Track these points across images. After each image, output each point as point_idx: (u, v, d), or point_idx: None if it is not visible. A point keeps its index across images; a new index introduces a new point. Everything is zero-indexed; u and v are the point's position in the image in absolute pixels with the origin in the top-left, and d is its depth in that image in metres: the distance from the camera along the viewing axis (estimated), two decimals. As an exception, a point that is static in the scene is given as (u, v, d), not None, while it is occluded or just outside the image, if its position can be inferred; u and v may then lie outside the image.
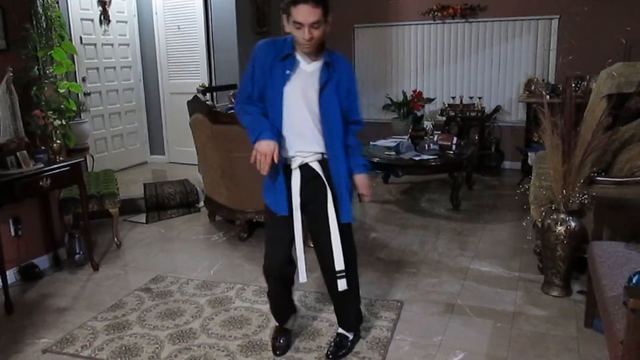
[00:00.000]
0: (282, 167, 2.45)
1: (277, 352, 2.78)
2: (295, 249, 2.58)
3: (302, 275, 2.61)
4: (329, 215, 2.51)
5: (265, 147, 2.28)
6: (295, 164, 2.48)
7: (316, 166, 2.49)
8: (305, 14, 2.20)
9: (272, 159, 2.29)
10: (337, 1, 7.30)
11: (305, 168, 2.49)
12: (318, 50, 2.39)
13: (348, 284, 2.60)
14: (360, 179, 2.58)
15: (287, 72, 2.37)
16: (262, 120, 2.39)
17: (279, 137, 2.38)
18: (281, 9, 2.33)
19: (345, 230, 2.58)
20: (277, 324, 2.90)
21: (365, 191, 2.61)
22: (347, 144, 2.54)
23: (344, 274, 2.56)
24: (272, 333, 2.92)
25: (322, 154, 2.49)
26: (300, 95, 2.39)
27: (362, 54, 7.39)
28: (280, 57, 2.37)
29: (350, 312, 2.81)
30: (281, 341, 2.82)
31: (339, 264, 2.55)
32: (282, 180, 2.47)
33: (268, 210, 2.57)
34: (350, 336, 2.83)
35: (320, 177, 2.49)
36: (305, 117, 2.42)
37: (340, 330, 2.83)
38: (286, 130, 2.43)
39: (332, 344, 2.79)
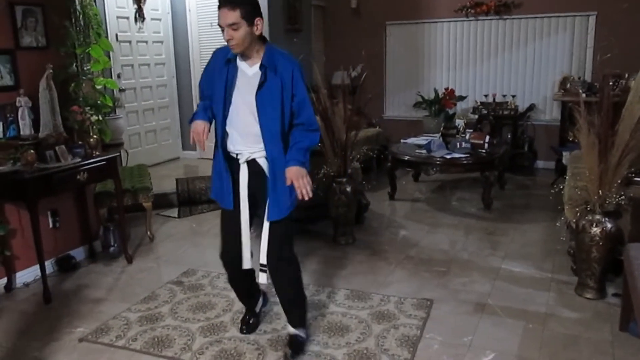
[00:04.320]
0: (226, 163, 2.64)
1: (244, 330, 2.98)
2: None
3: (246, 263, 2.73)
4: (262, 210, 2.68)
5: (196, 127, 2.55)
6: (242, 159, 2.63)
7: (262, 162, 2.62)
8: (222, 17, 2.39)
9: (205, 136, 2.55)
10: (369, -2, 7.29)
11: (252, 163, 2.64)
12: (253, 52, 2.51)
13: (276, 278, 2.73)
14: (289, 171, 2.51)
15: (230, 76, 2.54)
16: (200, 107, 2.64)
17: (223, 133, 2.61)
18: None
19: (277, 227, 2.64)
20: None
21: (295, 183, 2.50)
22: (291, 141, 2.59)
23: (265, 268, 2.68)
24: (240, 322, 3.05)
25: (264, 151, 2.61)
26: (240, 97, 2.55)
27: (393, 52, 7.36)
28: (224, 61, 2.55)
29: (294, 309, 2.84)
30: (250, 320, 3.02)
31: (263, 257, 2.67)
32: (227, 176, 2.65)
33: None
34: (302, 333, 2.83)
35: (264, 172, 2.62)
36: (247, 118, 2.56)
37: (291, 330, 2.84)
38: (231, 129, 2.61)
39: (288, 346, 2.80)
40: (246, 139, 2.59)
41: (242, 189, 2.65)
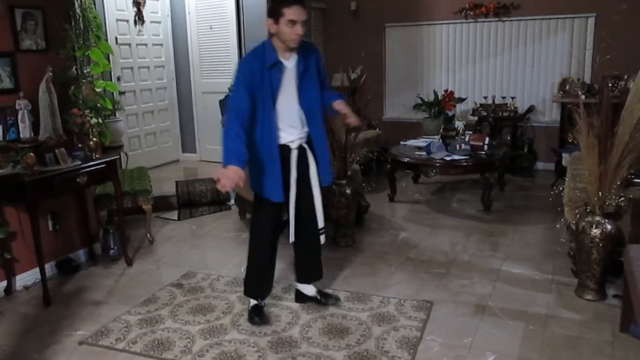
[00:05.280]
0: (280, 156, 2.85)
1: (257, 321, 3.08)
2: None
3: (291, 237, 3.10)
4: (312, 182, 3.01)
5: (232, 175, 2.63)
6: (294, 146, 2.93)
7: (305, 143, 2.98)
8: (299, 13, 2.69)
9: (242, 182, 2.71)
10: (369, 0, 7.31)
11: (300, 147, 2.96)
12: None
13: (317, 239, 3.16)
14: (337, 104, 3.04)
15: (277, 77, 2.78)
16: (240, 147, 2.70)
17: (276, 131, 2.85)
18: (269, 12, 2.76)
19: (324, 193, 3.12)
20: (256, 304, 3.15)
21: (344, 110, 3.05)
22: (326, 95, 3.04)
23: (324, 230, 3.12)
24: (252, 315, 3.12)
25: (307, 132, 2.98)
26: (286, 92, 2.84)
27: (393, 53, 7.36)
28: (267, 66, 2.75)
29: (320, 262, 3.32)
30: (263, 311, 3.15)
31: (321, 221, 3.08)
32: (278, 168, 2.85)
33: (260, 198, 2.95)
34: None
35: (306, 150, 2.97)
36: (294, 108, 2.89)
37: (313, 289, 3.29)
38: (282, 124, 2.87)
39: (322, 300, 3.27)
40: (296, 127, 2.92)
41: (293, 172, 2.94)
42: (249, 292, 3.19)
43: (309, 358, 2.74)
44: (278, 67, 2.78)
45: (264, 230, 3.04)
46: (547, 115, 6.68)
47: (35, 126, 3.63)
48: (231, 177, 2.61)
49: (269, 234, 3.05)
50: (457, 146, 5.20)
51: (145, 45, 6.61)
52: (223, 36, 6.69)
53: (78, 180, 3.58)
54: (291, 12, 2.66)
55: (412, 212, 5.22)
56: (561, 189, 3.89)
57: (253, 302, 3.16)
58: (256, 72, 2.74)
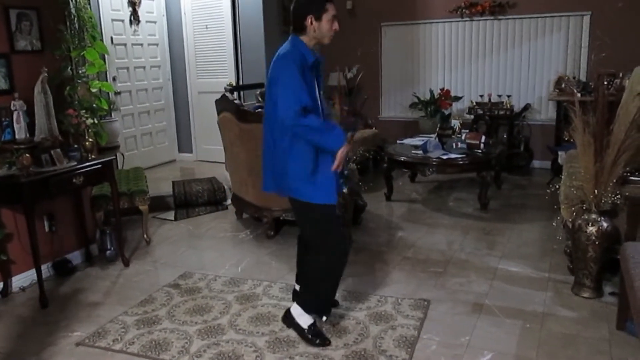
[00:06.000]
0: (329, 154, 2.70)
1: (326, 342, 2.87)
2: None
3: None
4: None
5: (342, 155, 2.65)
6: None
7: None
8: (335, 8, 2.71)
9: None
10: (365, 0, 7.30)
11: None
12: None
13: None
14: None
15: (318, 74, 2.75)
16: (335, 126, 2.72)
17: None
18: (309, 8, 2.64)
19: None
20: (323, 317, 3.01)
21: None
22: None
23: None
24: (316, 332, 2.90)
25: None
26: (317, 89, 2.77)
27: (389, 52, 7.36)
28: (309, 64, 2.66)
29: None
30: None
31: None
32: (330, 167, 2.69)
33: (328, 206, 2.74)
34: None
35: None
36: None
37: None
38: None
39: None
40: None
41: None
42: (323, 309, 3.00)
43: (307, 357, 2.74)
44: (316, 63, 2.71)
45: (343, 242, 2.87)
46: (543, 114, 6.69)
47: (30, 127, 3.62)
48: (343, 157, 2.66)
49: (345, 245, 2.91)
50: (454, 145, 5.20)
51: (141, 45, 6.60)
52: (219, 36, 6.69)
53: (74, 181, 3.57)
54: (333, 7, 2.67)
55: (409, 211, 5.22)
56: (557, 187, 3.91)
57: (310, 320, 2.91)
58: (303, 71, 2.62)
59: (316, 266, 2.86)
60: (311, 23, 2.64)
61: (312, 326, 2.89)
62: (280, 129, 2.65)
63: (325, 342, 2.84)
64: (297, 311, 2.93)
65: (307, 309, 2.91)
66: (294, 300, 3.20)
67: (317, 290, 2.92)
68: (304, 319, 2.90)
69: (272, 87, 2.67)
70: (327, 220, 2.77)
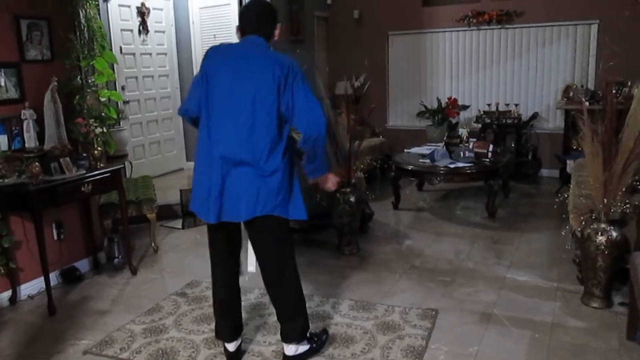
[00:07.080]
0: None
1: None
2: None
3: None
4: None
5: (333, 177, 2.81)
6: None
7: None
8: None
9: None
10: (372, 9, 7.33)
11: None
12: None
13: None
14: None
15: None
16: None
17: None
18: (276, 17, 2.63)
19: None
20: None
21: None
22: None
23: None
24: (313, 339, 2.87)
25: None
26: None
27: (396, 61, 7.38)
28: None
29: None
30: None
31: None
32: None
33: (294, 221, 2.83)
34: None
35: None
36: None
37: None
38: None
39: None
40: None
41: None
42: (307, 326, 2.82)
43: (314, 367, 2.73)
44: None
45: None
46: (551, 122, 6.67)
47: (40, 136, 3.65)
48: (334, 179, 2.79)
49: None
50: (461, 153, 5.19)
51: (150, 54, 6.64)
52: (227, 45, 6.71)
53: (83, 189, 3.59)
54: None
55: (416, 220, 5.21)
56: (566, 195, 3.89)
57: (305, 345, 2.80)
58: None
59: (295, 284, 2.73)
60: (278, 32, 2.65)
61: (308, 340, 2.81)
62: (279, 140, 2.49)
63: (324, 335, 2.93)
64: (292, 349, 2.76)
65: (302, 337, 2.76)
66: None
67: (304, 307, 2.78)
68: (302, 348, 2.77)
69: (280, 95, 2.43)
70: (290, 232, 2.81)
